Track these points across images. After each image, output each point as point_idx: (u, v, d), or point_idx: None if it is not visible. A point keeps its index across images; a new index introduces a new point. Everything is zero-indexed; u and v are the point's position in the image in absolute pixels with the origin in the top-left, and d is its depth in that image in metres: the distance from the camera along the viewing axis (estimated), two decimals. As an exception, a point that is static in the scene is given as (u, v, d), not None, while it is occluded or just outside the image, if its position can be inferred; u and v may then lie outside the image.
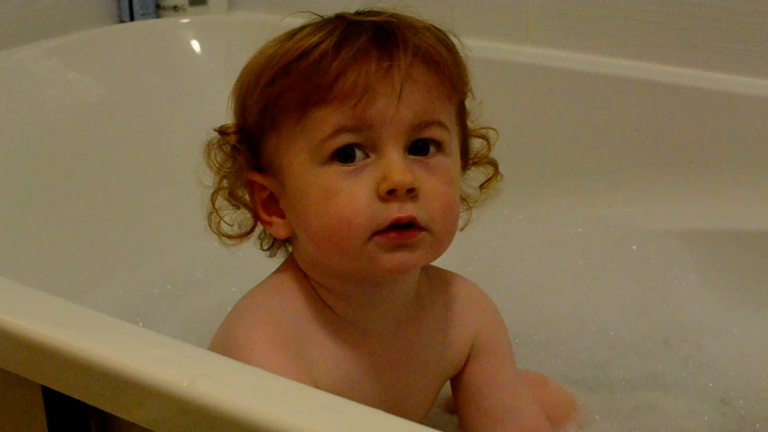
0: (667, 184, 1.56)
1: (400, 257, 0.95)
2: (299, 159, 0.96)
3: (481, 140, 1.08)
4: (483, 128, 1.07)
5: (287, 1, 1.82)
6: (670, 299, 1.44)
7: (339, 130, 0.93)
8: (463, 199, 1.07)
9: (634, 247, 1.50)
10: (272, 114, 0.97)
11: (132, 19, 1.90)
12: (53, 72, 1.73)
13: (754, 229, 1.48)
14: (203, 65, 1.83)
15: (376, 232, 0.94)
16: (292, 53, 0.95)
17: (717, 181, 1.53)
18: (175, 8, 1.92)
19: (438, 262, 1.06)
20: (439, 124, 0.96)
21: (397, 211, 0.93)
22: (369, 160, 0.94)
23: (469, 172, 1.08)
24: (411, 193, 0.93)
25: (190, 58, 1.85)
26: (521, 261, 1.51)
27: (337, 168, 0.94)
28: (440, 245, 0.98)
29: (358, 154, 0.94)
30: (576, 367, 1.36)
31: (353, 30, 0.95)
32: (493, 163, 1.09)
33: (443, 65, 0.96)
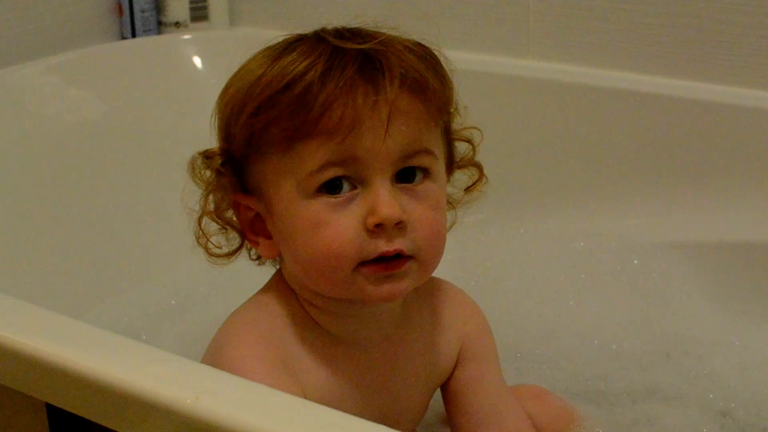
0: (667, 197, 1.56)
1: (387, 288, 0.95)
2: (286, 190, 0.96)
3: (466, 144, 1.07)
4: (466, 129, 1.07)
5: (289, 16, 1.85)
6: (672, 312, 1.44)
7: (326, 165, 0.93)
8: (447, 201, 1.07)
9: (636, 261, 1.50)
10: (258, 144, 0.97)
11: (134, 35, 1.91)
12: (55, 89, 1.73)
13: (755, 240, 1.48)
14: (205, 81, 1.83)
15: (363, 263, 0.94)
16: (277, 83, 0.94)
17: (718, 194, 1.53)
18: (177, 24, 1.92)
19: (440, 275, 1.07)
20: (427, 151, 0.96)
21: (384, 245, 0.93)
22: (356, 191, 0.94)
23: (454, 174, 1.08)
24: (399, 225, 0.93)
25: (192, 75, 1.85)
26: (523, 275, 1.51)
27: (325, 200, 0.94)
28: (426, 271, 0.99)
29: (345, 185, 0.94)
30: (577, 380, 1.36)
31: (338, 59, 0.93)
32: (478, 166, 1.09)
33: (430, 92, 0.96)
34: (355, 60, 0.94)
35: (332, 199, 0.94)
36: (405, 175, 0.96)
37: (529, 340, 1.42)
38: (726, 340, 1.39)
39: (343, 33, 0.98)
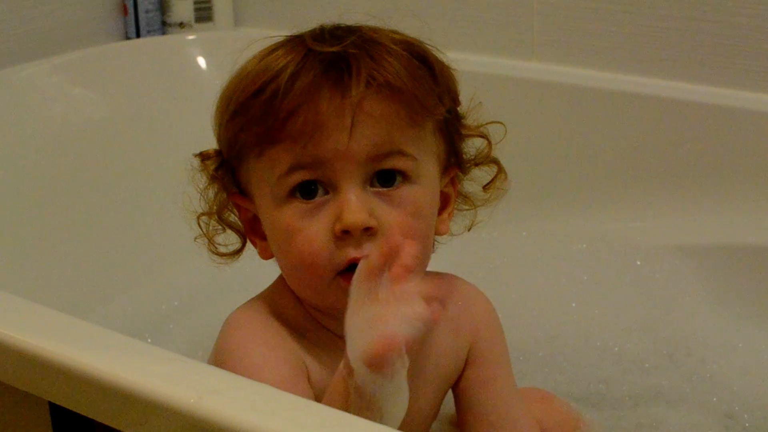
0: (671, 200, 1.56)
1: None
2: (264, 194, 0.96)
3: (482, 140, 1.06)
4: (485, 124, 1.05)
5: (293, 16, 1.85)
6: (675, 314, 1.44)
7: (294, 168, 0.93)
8: (468, 198, 1.07)
9: (639, 263, 1.50)
10: (238, 147, 0.97)
11: (138, 35, 1.91)
12: (59, 88, 1.73)
13: (758, 243, 1.48)
14: (209, 82, 1.83)
15: (340, 272, 0.93)
16: (249, 88, 0.95)
17: (721, 196, 1.53)
18: (181, 25, 1.93)
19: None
20: (401, 153, 0.94)
21: (353, 251, 0.92)
22: (328, 196, 0.94)
23: (474, 171, 1.07)
24: (368, 231, 0.92)
25: (196, 75, 1.85)
26: (526, 277, 1.51)
27: (298, 205, 0.94)
28: None
29: (320, 191, 0.94)
30: (581, 383, 1.36)
31: (308, 62, 0.93)
32: (496, 162, 1.07)
33: (403, 93, 0.94)
34: (322, 62, 0.93)
35: (304, 205, 0.94)
36: (384, 179, 0.94)
37: (531, 342, 1.41)
38: (729, 343, 1.39)
39: (324, 34, 0.98)
